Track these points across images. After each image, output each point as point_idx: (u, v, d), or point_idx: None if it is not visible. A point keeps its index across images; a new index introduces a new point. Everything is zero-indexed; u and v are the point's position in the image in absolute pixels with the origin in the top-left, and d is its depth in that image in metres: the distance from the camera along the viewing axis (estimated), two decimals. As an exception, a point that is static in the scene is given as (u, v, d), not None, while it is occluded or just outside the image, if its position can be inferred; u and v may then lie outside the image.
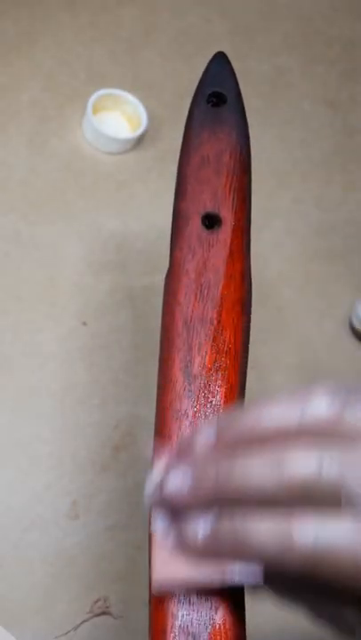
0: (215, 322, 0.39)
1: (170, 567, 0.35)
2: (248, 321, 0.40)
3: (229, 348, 0.39)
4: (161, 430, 0.39)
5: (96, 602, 0.57)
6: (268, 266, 0.75)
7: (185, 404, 0.38)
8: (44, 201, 0.72)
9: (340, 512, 0.30)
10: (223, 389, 0.38)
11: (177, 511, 0.34)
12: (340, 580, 0.31)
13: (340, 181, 0.82)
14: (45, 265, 0.69)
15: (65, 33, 0.81)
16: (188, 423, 0.38)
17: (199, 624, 0.36)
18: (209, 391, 0.38)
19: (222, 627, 0.36)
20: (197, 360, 0.39)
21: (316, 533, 0.30)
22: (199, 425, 0.35)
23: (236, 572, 0.33)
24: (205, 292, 0.39)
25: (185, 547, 0.34)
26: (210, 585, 0.34)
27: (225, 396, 0.38)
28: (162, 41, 0.85)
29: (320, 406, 0.32)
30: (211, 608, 0.36)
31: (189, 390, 0.38)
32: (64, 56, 0.80)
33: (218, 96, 0.43)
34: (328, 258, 0.77)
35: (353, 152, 0.84)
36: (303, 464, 0.31)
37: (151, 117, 0.77)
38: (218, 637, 0.35)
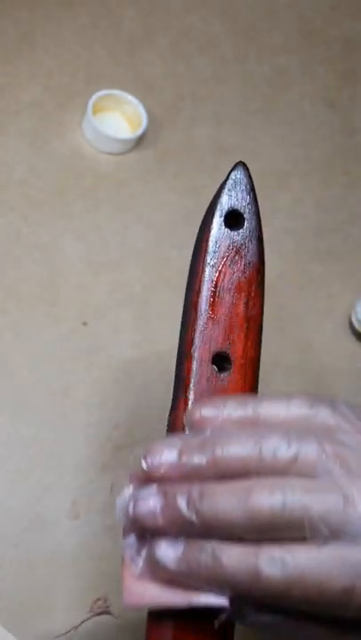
0: None
1: (138, 587, 0.35)
2: None
3: None
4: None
5: (96, 601, 0.57)
6: (267, 266, 0.74)
7: None
8: (44, 201, 0.72)
9: (305, 543, 0.32)
10: None
11: (147, 532, 0.35)
12: (306, 605, 0.32)
13: (341, 181, 0.82)
14: (45, 265, 0.69)
15: (65, 33, 0.81)
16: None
17: None
18: None
19: None
20: None
21: (283, 564, 0.31)
22: (166, 442, 0.35)
23: (202, 597, 0.33)
24: None
25: (154, 570, 0.35)
26: (177, 606, 0.34)
27: None
28: (162, 41, 0.85)
29: (280, 447, 0.33)
30: None
31: None
32: (64, 56, 0.80)
33: (235, 216, 0.41)
34: (328, 258, 0.77)
35: (353, 152, 0.84)
36: (268, 499, 0.32)
37: (151, 117, 0.77)
38: None
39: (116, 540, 0.59)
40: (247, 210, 0.42)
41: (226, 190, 0.42)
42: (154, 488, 0.35)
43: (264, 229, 0.78)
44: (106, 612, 0.57)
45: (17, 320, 0.66)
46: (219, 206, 0.41)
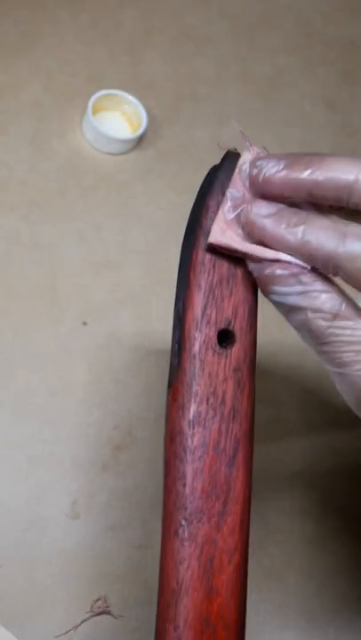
0: None
1: (228, 232, 0.39)
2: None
3: None
4: None
5: (96, 601, 0.57)
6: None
7: None
8: (44, 201, 0.72)
9: None
10: None
11: (254, 192, 0.39)
12: None
13: (340, 181, 0.82)
14: (45, 265, 0.69)
15: (65, 33, 0.81)
16: None
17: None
18: None
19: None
20: None
21: None
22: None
23: (288, 256, 0.38)
24: None
25: (246, 224, 0.39)
26: (263, 257, 0.38)
27: None
28: (162, 41, 0.85)
29: None
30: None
31: None
32: (64, 56, 0.80)
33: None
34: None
35: (353, 152, 0.84)
36: None
37: (151, 117, 0.77)
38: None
39: (116, 540, 0.60)
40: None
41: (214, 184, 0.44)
42: (281, 161, 0.38)
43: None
44: (106, 612, 0.57)
45: (17, 320, 0.66)
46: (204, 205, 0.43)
